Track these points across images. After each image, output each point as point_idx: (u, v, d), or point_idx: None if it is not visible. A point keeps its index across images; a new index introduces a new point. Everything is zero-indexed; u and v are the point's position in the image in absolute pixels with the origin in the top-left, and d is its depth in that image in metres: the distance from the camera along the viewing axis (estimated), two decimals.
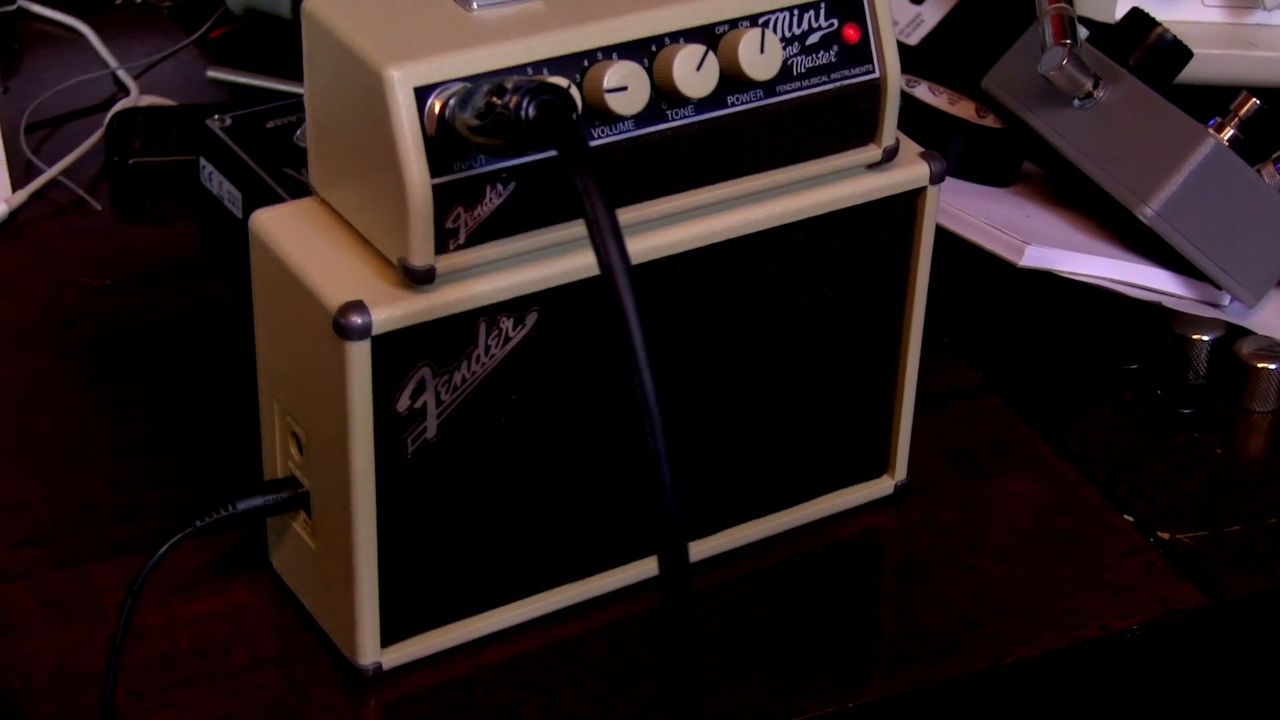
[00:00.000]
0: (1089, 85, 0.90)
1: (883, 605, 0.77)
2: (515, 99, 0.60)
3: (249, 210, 0.82)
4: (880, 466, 0.80)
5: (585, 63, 0.65)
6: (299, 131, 0.87)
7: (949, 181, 0.89)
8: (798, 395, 0.76)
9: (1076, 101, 0.91)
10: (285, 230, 0.68)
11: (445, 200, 0.64)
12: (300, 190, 0.79)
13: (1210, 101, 0.91)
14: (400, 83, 0.63)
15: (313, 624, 0.73)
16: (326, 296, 0.65)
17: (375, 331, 0.65)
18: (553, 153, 0.63)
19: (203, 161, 0.87)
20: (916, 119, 0.94)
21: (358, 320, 0.64)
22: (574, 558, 0.73)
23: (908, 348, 0.77)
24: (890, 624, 0.75)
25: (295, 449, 0.70)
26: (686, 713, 0.58)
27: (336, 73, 0.65)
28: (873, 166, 0.73)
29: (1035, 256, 0.86)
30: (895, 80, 0.71)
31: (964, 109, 0.96)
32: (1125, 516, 0.80)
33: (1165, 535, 0.79)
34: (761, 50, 0.67)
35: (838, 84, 0.70)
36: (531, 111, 0.59)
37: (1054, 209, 0.93)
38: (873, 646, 0.74)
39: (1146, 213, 0.86)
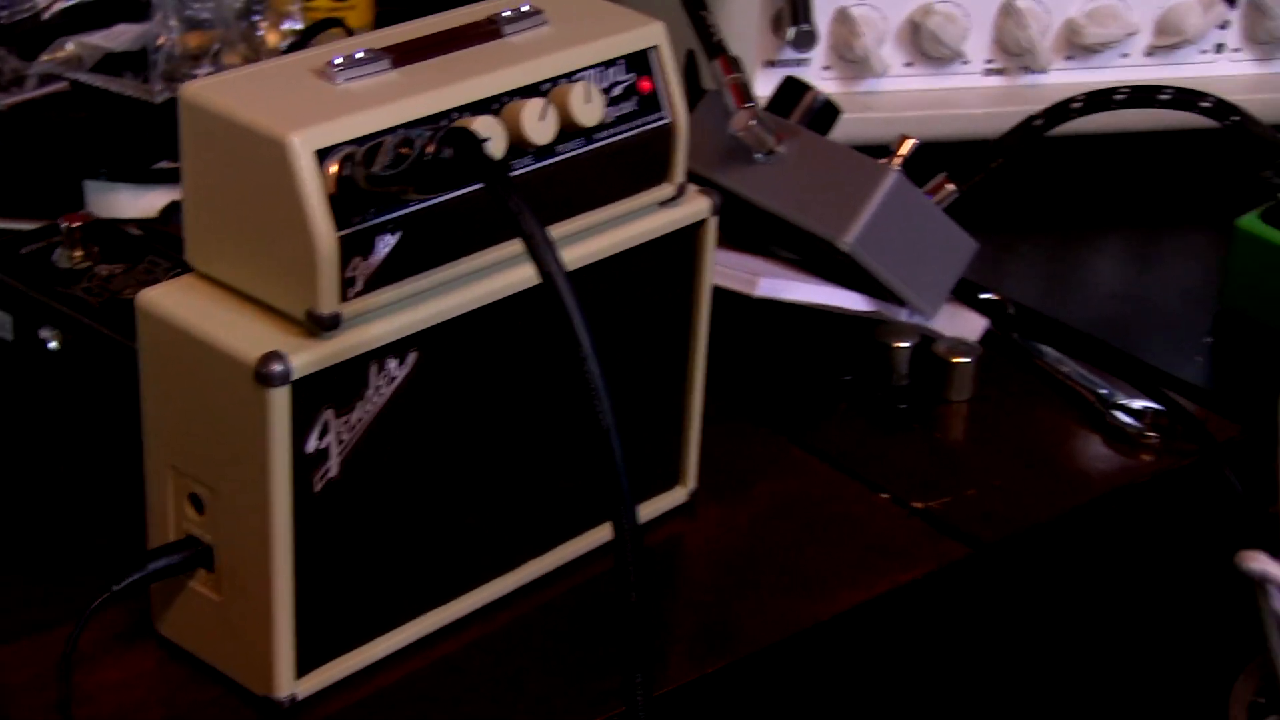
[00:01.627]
0: (771, 142, 1.03)
1: (691, 593, 0.86)
2: (429, 144, 0.68)
3: (21, 331, 0.87)
4: (674, 478, 0.89)
5: (447, 120, 0.74)
6: (55, 253, 0.91)
7: None
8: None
9: (760, 157, 1.03)
10: (175, 303, 0.74)
11: (346, 252, 0.72)
12: (77, 306, 0.84)
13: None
14: (302, 148, 0.70)
15: (216, 675, 0.78)
16: (242, 352, 0.71)
17: (293, 377, 0.71)
18: (439, 199, 0.72)
19: None
20: None
21: (278, 368, 0.71)
22: (464, 573, 0.80)
23: (695, 367, 0.87)
24: (699, 609, 0.85)
25: (193, 510, 0.76)
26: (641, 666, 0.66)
27: (225, 150, 0.72)
28: (665, 203, 0.83)
29: (767, 287, 0.97)
30: (684, 124, 0.82)
31: None
32: (882, 495, 0.92)
33: (920, 505, 0.92)
34: (588, 100, 0.77)
35: (639, 129, 0.81)
36: (448, 152, 0.68)
37: (740, 253, 1.05)
38: (710, 625, 0.84)
39: (846, 242, 0.99)
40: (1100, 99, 1.07)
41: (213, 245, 0.75)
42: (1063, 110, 1.07)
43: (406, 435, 0.76)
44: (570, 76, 0.78)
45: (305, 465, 0.73)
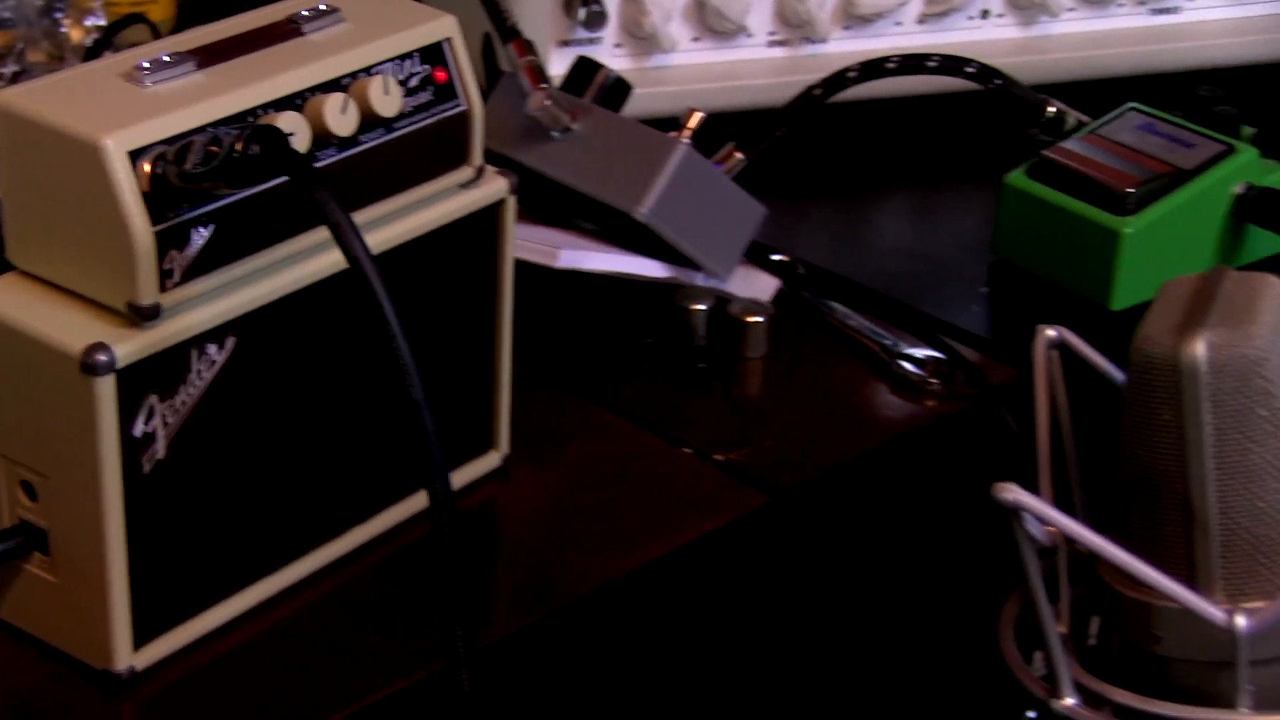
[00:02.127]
0: (567, 120, 1.08)
1: (509, 552, 0.91)
2: (237, 142, 0.73)
3: None
4: (487, 444, 0.95)
5: (252, 118, 0.78)
6: None
7: None
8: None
9: (556, 134, 1.08)
10: (2, 300, 0.78)
11: (162, 246, 0.76)
12: None
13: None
14: (115, 150, 0.74)
15: (57, 653, 0.82)
16: (67, 344, 0.75)
17: (119, 365, 0.75)
18: (249, 192, 0.76)
19: None
20: None
21: (103, 358, 0.75)
22: (293, 541, 0.85)
23: (502, 338, 0.93)
24: (517, 566, 0.90)
25: (25, 497, 0.80)
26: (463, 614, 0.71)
27: (41, 153, 0.76)
28: (466, 185, 0.88)
29: (568, 259, 1.03)
30: (479, 110, 0.87)
31: None
32: (685, 450, 0.98)
33: (720, 457, 0.97)
34: (387, 93, 0.82)
35: (436, 117, 0.85)
36: (255, 148, 0.72)
37: (543, 226, 1.10)
38: (528, 581, 0.89)
39: (641, 212, 1.04)
40: (873, 68, 1.14)
41: (34, 244, 0.78)
42: (840, 80, 1.14)
43: (229, 415, 0.80)
44: (369, 71, 0.82)
45: (133, 448, 0.77)
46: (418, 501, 0.90)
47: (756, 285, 1.10)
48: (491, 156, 1.09)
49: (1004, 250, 1.15)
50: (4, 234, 0.79)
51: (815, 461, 0.98)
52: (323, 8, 0.84)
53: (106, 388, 0.75)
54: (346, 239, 0.70)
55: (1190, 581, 0.69)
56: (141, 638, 0.81)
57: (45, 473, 0.79)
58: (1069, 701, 0.70)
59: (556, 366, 1.04)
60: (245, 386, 0.81)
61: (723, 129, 1.11)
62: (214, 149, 0.74)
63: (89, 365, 0.75)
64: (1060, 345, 0.74)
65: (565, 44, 1.24)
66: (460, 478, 0.93)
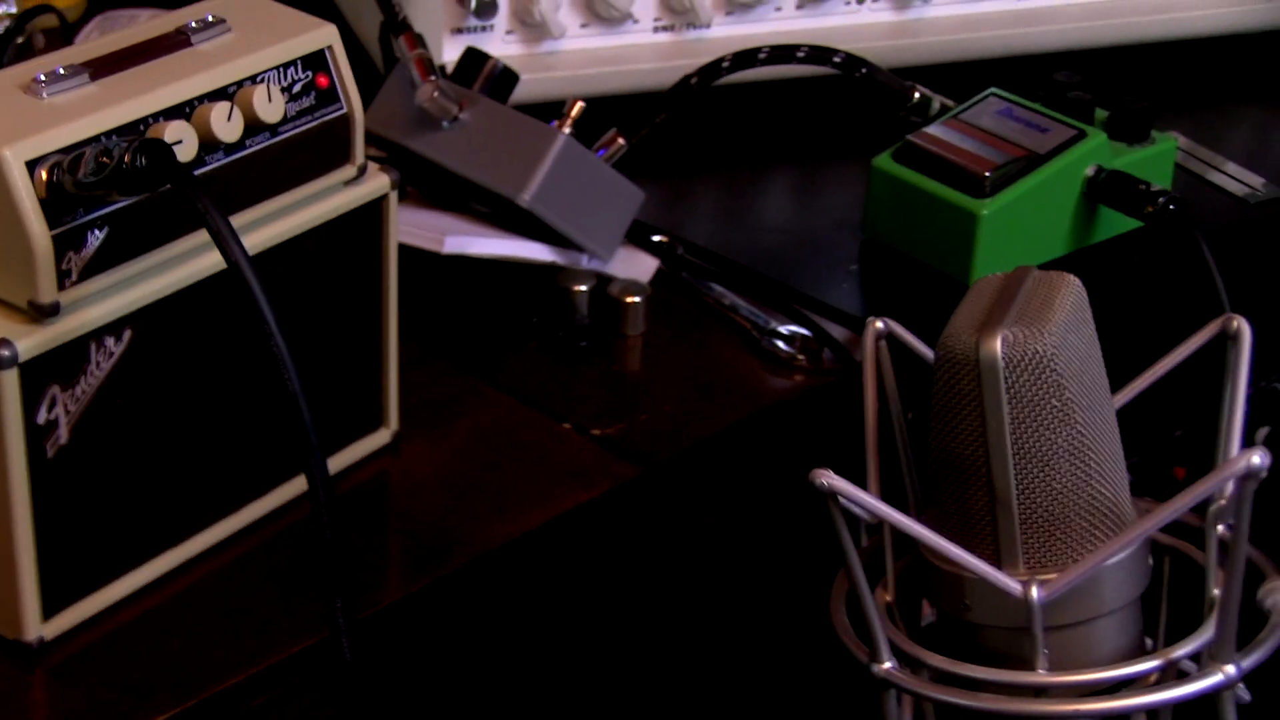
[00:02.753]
0: (455, 110, 1.14)
1: (398, 523, 0.98)
2: (126, 154, 0.79)
3: None
4: (377, 421, 1.01)
5: (143, 126, 0.84)
6: None
7: None
8: (305, 376, 0.96)
9: (445, 124, 1.14)
10: None
11: (60, 248, 0.82)
12: None
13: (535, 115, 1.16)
14: (13, 160, 0.80)
15: None
16: None
17: (21, 359, 0.81)
18: (149, 194, 0.82)
19: None
20: None
21: (5, 353, 0.81)
22: (192, 517, 0.91)
23: (388, 321, 0.99)
24: (406, 536, 0.97)
25: None
26: (340, 587, 0.78)
27: None
28: (349, 183, 0.94)
29: (453, 244, 1.09)
30: (359, 113, 0.93)
31: None
32: (565, 425, 1.05)
33: (598, 432, 1.04)
34: (270, 100, 0.88)
35: (320, 120, 0.91)
36: (143, 160, 0.78)
37: (437, 211, 1.16)
38: (400, 554, 0.95)
39: (525, 199, 1.11)
40: (745, 58, 1.20)
41: None
42: (714, 69, 1.20)
43: (128, 402, 0.86)
44: (254, 79, 0.88)
45: (36, 435, 0.84)
46: (282, 493, 0.96)
47: (637, 266, 1.17)
48: (385, 144, 1.16)
49: (873, 230, 1.22)
50: None
51: (687, 434, 1.04)
52: (210, 19, 0.89)
53: (10, 380, 0.81)
54: (225, 244, 0.76)
55: (995, 555, 0.76)
56: (50, 609, 0.87)
57: None
58: (886, 665, 0.77)
59: (446, 344, 1.10)
60: (142, 375, 0.87)
61: (610, 113, 1.18)
62: (105, 160, 0.79)
63: None
64: (888, 335, 0.80)
65: (458, 31, 1.29)
66: (352, 454, 1.00)
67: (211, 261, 0.88)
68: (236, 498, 0.93)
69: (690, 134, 1.29)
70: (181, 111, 0.85)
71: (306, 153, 0.91)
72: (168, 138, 0.84)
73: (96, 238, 0.83)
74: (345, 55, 0.92)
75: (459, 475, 1.00)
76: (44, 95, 0.83)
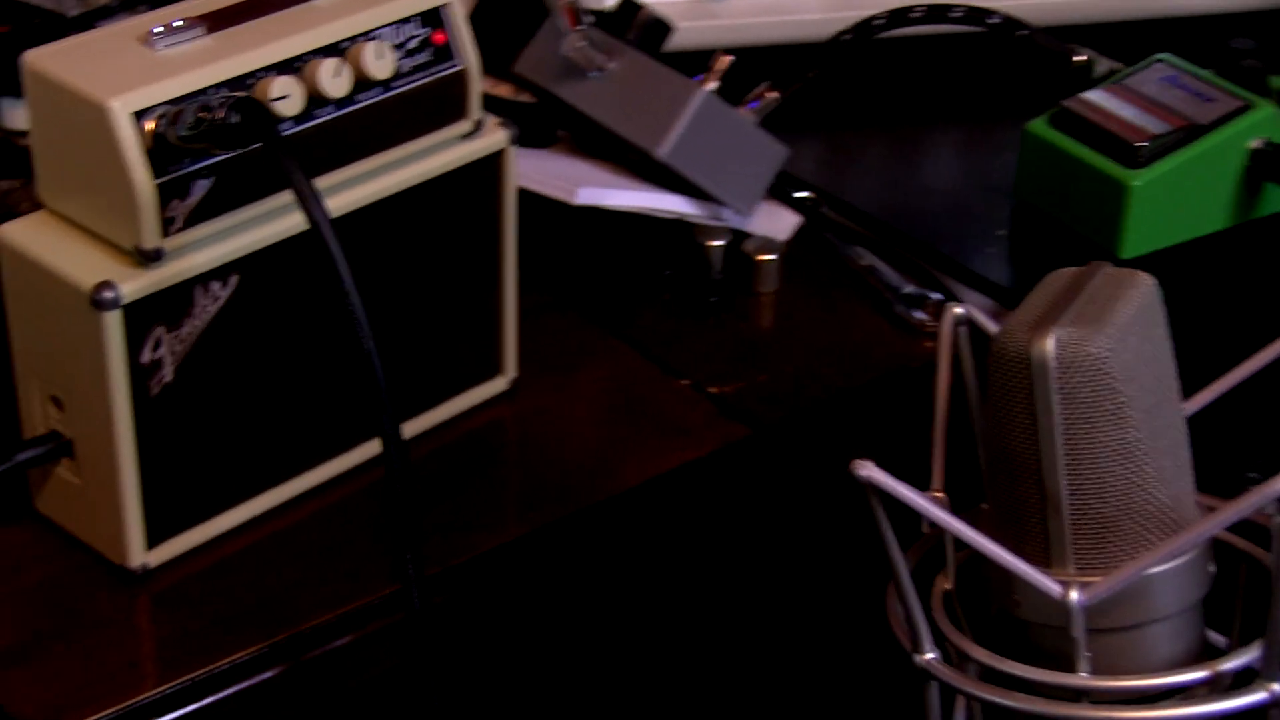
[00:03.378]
0: (601, 60, 1.15)
1: (513, 471, 1.00)
2: (221, 111, 0.81)
3: None
4: (495, 369, 1.03)
5: (251, 81, 0.86)
6: None
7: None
8: (424, 321, 0.98)
9: (592, 74, 1.15)
10: (30, 237, 0.87)
11: (164, 196, 0.84)
12: None
13: (694, 64, 1.17)
14: (121, 111, 0.83)
15: (82, 546, 0.92)
16: (80, 281, 0.85)
17: (123, 302, 0.84)
18: (244, 150, 0.85)
19: None
20: None
21: (109, 295, 0.84)
22: (290, 460, 0.94)
23: (506, 273, 1.00)
24: (522, 483, 0.98)
25: (55, 409, 0.90)
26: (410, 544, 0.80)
27: (61, 110, 0.85)
28: (466, 137, 0.96)
29: (585, 196, 1.10)
30: (475, 69, 0.94)
31: (503, 91, 1.20)
32: (683, 381, 1.05)
33: (715, 390, 1.05)
34: (380, 57, 0.89)
35: (435, 76, 0.93)
36: (235, 117, 0.80)
37: (585, 160, 1.18)
38: (514, 498, 0.97)
39: (661, 152, 1.11)
40: (899, 16, 1.19)
41: (59, 187, 0.88)
42: (868, 26, 1.19)
43: (233, 344, 0.89)
44: (367, 35, 0.90)
45: (141, 374, 0.87)
46: (415, 425, 0.98)
47: (778, 222, 1.17)
48: (536, 90, 1.18)
49: (1025, 195, 1.20)
50: (35, 175, 0.88)
51: (804, 396, 1.05)
52: None
53: (114, 321, 0.85)
54: (308, 205, 0.78)
55: (1045, 554, 0.75)
56: (154, 539, 0.90)
57: (68, 391, 0.88)
58: (929, 656, 0.77)
59: (578, 295, 1.12)
60: (247, 319, 0.89)
61: (764, 65, 1.17)
62: (203, 115, 0.82)
63: (97, 301, 0.84)
64: (968, 322, 0.80)
65: None
66: (468, 400, 1.02)
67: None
68: (338, 443, 0.96)
69: (845, 90, 1.29)
70: (291, 67, 0.87)
71: (421, 108, 0.93)
72: (274, 92, 0.86)
73: (202, 187, 0.86)
74: (463, 12, 0.93)
75: (569, 427, 1.02)
76: (158, 47, 0.86)
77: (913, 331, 1.10)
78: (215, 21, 0.88)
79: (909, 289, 1.12)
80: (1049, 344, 0.72)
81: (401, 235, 0.95)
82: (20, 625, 0.88)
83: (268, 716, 0.88)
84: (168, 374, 0.88)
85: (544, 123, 1.20)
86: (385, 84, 0.91)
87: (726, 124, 1.13)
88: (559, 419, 1.03)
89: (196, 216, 0.86)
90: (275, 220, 0.89)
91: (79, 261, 0.86)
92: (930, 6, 1.18)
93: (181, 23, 0.87)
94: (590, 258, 1.15)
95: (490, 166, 0.97)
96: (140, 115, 0.83)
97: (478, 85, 0.95)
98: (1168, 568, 0.74)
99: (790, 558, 1.07)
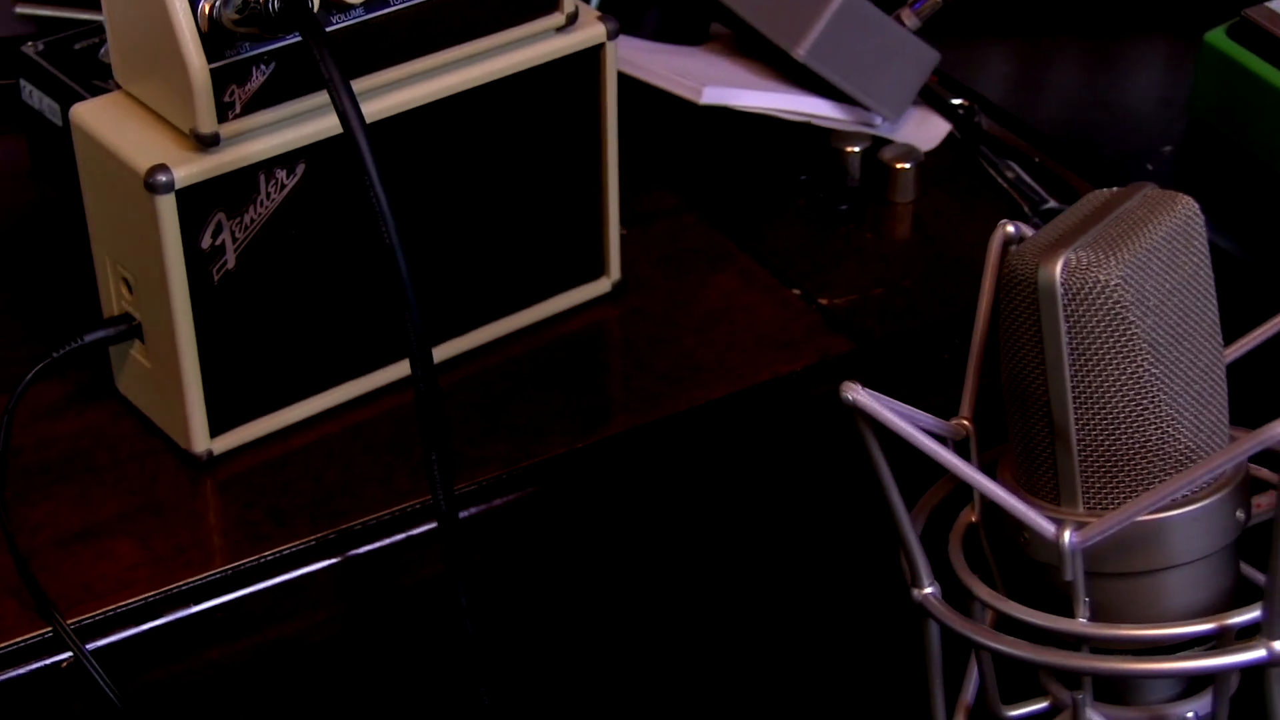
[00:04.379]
0: None
1: (605, 374, 0.97)
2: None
3: (65, 118, 1.01)
4: (598, 270, 1.00)
5: None
6: (102, 49, 1.05)
7: (649, 44, 1.11)
8: (523, 217, 0.96)
9: None
10: (98, 117, 0.87)
11: (221, 80, 0.84)
12: None
13: None
14: None
15: (156, 430, 0.93)
16: (138, 163, 0.85)
17: (177, 186, 0.84)
18: (298, 37, 0.83)
19: (23, 83, 1.05)
20: None
21: (163, 178, 0.84)
22: (356, 357, 0.93)
23: (607, 172, 0.98)
24: (611, 387, 0.96)
25: (126, 291, 0.90)
26: (442, 457, 0.78)
27: None
28: (560, 30, 0.93)
29: (712, 95, 1.07)
30: None
31: None
32: (794, 291, 1.02)
33: (824, 301, 1.01)
34: None
35: None
36: (275, 5, 0.79)
37: (737, 60, 1.14)
38: (597, 403, 0.95)
39: (800, 53, 1.07)
40: None
41: (129, 69, 0.87)
42: None
43: (298, 235, 0.88)
44: None
45: (201, 260, 0.86)
46: (490, 331, 0.97)
47: (927, 130, 1.12)
48: None
49: (1200, 111, 1.13)
50: (111, 56, 0.88)
51: (916, 313, 1.00)
52: None
53: (167, 204, 0.84)
54: (338, 97, 0.76)
55: (1055, 492, 0.70)
56: (218, 426, 0.90)
57: (135, 274, 0.88)
58: (927, 590, 0.72)
59: (707, 199, 1.08)
60: (316, 209, 0.88)
61: None
62: (253, 1, 0.81)
63: (151, 184, 0.84)
64: (1020, 241, 0.75)
65: None
66: (568, 300, 1.00)
67: (391, 103, 0.89)
68: (402, 346, 0.94)
69: None
70: None
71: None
72: None
73: (263, 72, 0.85)
74: None
75: (669, 332, 0.99)
76: None
77: None
78: None
79: (1050, 205, 1.06)
80: (1057, 268, 0.67)
81: (496, 129, 0.93)
82: (85, 505, 0.89)
83: (316, 610, 0.88)
84: (230, 261, 0.87)
85: (696, 18, 1.16)
86: None
87: (872, 25, 1.09)
88: (660, 325, 1.00)
89: (257, 103, 0.85)
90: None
91: (140, 144, 0.86)
92: None
93: None
94: (724, 161, 1.11)
95: (588, 61, 0.95)
96: None
97: None
98: (1182, 512, 0.68)
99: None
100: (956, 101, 1.14)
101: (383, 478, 0.90)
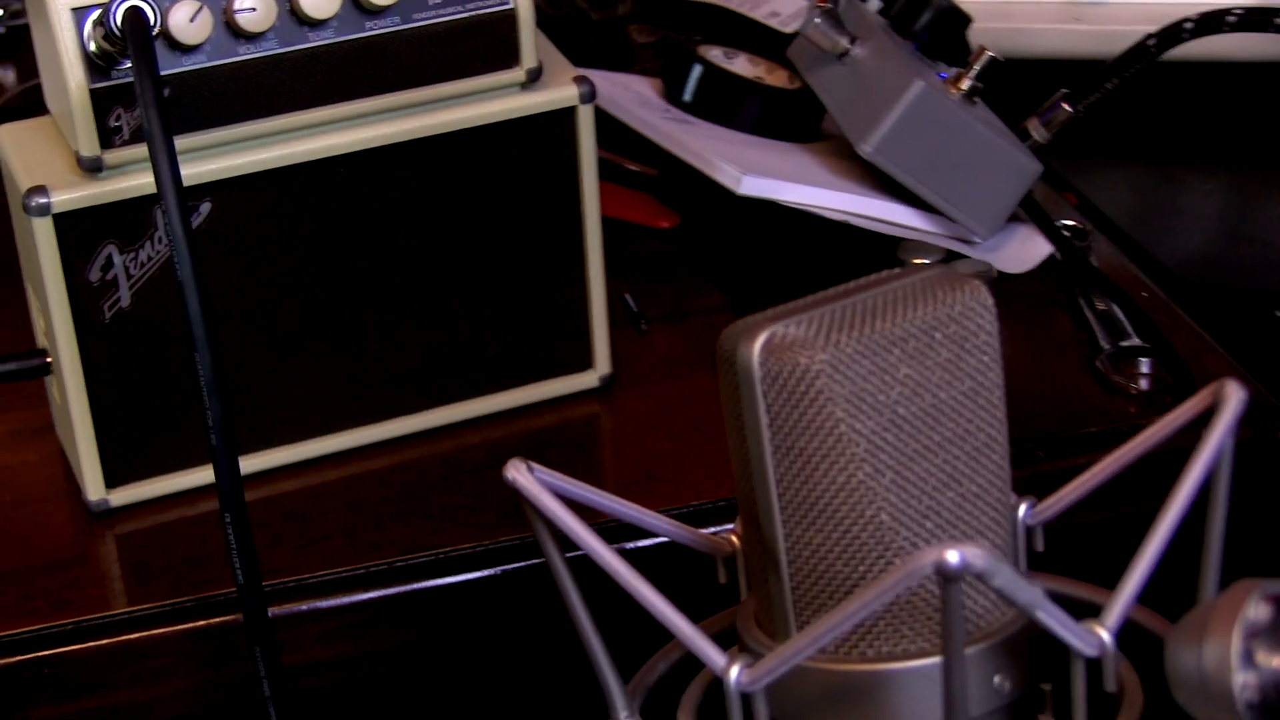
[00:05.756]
0: (844, 44, 1.00)
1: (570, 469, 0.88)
2: (118, 18, 0.75)
3: None
4: (584, 362, 0.91)
5: None
6: None
7: (710, 126, 1.02)
8: (492, 292, 0.88)
9: (838, 59, 1.01)
10: (15, 138, 0.84)
11: (105, 102, 0.79)
12: None
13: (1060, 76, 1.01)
14: (59, 5, 0.78)
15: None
16: (21, 182, 0.80)
17: (55, 210, 0.79)
18: (201, 63, 0.78)
19: None
20: (722, 85, 1.06)
21: (39, 200, 0.79)
22: (269, 421, 0.86)
23: (588, 253, 0.89)
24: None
25: (44, 322, 0.86)
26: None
27: (33, 7, 0.81)
28: (524, 87, 0.85)
29: (753, 185, 0.96)
30: (528, 10, 0.84)
31: (778, 78, 1.08)
32: None
33: None
34: None
35: (473, 13, 0.83)
36: (116, 23, 0.74)
37: (834, 161, 1.03)
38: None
39: (865, 148, 0.96)
40: (1213, 21, 0.99)
41: (48, 90, 0.84)
42: (1175, 33, 1.00)
43: (205, 275, 0.82)
44: None
45: (89, 293, 0.82)
46: (449, 413, 0.89)
47: (1028, 250, 0.99)
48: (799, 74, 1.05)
49: None
50: (41, 77, 0.85)
51: None
52: None
53: (44, 228, 0.80)
54: (147, 122, 0.71)
55: (769, 618, 0.58)
56: (115, 477, 0.85)
57: (40, 303, 0.84)
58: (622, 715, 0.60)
59: (753, 298, 0.98)
60: (222, 253, 0.83)
61: (1060, 77, 1.01)
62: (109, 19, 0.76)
63: (26, 205, 0.80)
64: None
65: None
66: (546, 390, 0.91)
67: (315, 146, 0.83)
68: (316, 418, 0.87)
69: (1143, 109, 1.08)
70: None
71: (455, 46, 0.83)
72: (240, 4, 0.79)
73: None
74: None
75: (640, 435, 0.89)
76: None
77: (1112, 390, 0.90)
78: None
79: (1131, 342, 0.92)
80: (756, 345, 0.55)
81: (440, 188, 0.85)
82: None
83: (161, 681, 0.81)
84: (124, 299, 0.82)
85: (800, 114, 1.06)
86: (403, 12, 0.82)
87: (957, 126, 0.97)
88: (639, 427, 0.90)
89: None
90: (258, 149, 0.82)
91: (32, 166, 0.82)
92: (1249, 10, 0.98)
93: None
94: (780, 263, 1.01)
95: (556, 125, 0.86)
96: (80, 13, 0.78)
97: (530, 29, 0.84)
98: (904, 667, 0.55)
99: None
100: (1067, 222, 1.01)
101: (261, 556, 0.83)
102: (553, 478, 0.57)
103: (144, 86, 0.71)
